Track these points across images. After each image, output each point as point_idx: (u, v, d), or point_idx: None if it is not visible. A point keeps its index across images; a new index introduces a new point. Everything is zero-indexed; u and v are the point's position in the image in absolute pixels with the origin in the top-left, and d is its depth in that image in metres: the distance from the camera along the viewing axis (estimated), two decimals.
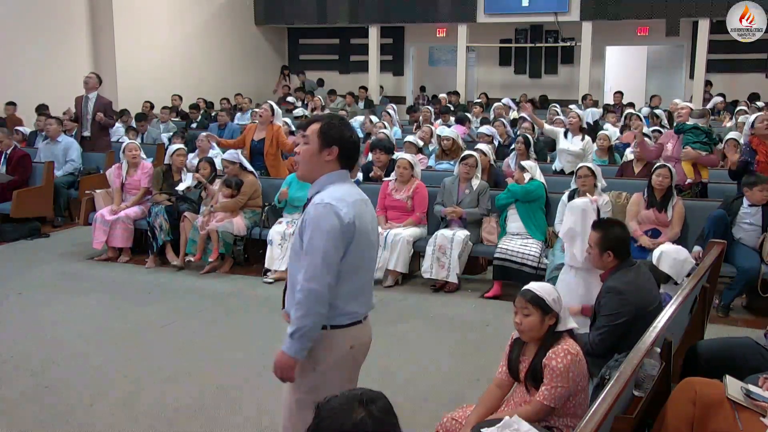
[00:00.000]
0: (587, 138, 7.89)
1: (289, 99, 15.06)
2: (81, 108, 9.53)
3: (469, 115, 10.88)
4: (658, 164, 6.05)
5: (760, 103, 11.82)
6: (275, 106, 8.07)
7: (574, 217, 4.43)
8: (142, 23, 13.51)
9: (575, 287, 4.40)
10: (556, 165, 7.91)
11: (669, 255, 4.57)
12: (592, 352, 3.33)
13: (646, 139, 7.41)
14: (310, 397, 2.44)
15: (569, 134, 7.89)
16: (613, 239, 3.58)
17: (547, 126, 8.43)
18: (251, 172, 7.09)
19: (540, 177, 6.40)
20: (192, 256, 6.80)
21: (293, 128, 9.33)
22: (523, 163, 6.49)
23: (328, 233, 2.47)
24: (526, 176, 6.31)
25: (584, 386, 2.91)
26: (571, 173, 6.62)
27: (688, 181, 6.56)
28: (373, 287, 2.76)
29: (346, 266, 2.53)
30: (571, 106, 11.63)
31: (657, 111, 10.96)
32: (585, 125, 8.06)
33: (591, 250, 3.67)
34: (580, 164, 6.20)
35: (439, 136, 8.42)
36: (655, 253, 4.86)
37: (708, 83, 14.72)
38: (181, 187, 7.26)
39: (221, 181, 7.01)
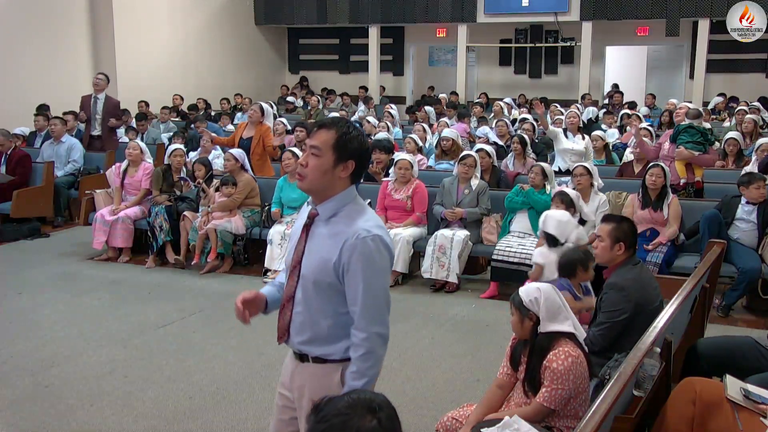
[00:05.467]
0: (587, 137, 7.86)
1: (289, 99, 15.05)
2: (90, 108, 9.55)
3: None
4: (651, 164, 6.05)
5: (756, 104, 11.70)
6: (265, 107, 8.13)
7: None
8: (142, 23, 13.50)
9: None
10: (558, 164, 7.84)
11: (554, 217, 4.83)
12: (591, 348, 3.32)
13: (645, 138, 7.41)
14: None
15: (569, 133, 7.84)
16: (626, 230, 3.56)
17: (550, 127, 8.40)
18: (251, 176, 7.12)
19: (556, 187, 6.38)
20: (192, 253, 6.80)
21: (289, 127, 9.34)
22: (545, 168, 6.31)
23: (384, 270, 2.25)
24: (548, 187, 6.21)
25: (585, 388, 2.91)
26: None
27: (682, 181, 6.56)
28: None
29: None
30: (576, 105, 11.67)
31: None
32: (581, 124, 8.03)
33: (601, 242, 3.60)
34: (577, 164, 6.19)
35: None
36: (541, 217, 5.01)
37: (615, 86, 14.82)
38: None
39: (219, 180, 7.03)
